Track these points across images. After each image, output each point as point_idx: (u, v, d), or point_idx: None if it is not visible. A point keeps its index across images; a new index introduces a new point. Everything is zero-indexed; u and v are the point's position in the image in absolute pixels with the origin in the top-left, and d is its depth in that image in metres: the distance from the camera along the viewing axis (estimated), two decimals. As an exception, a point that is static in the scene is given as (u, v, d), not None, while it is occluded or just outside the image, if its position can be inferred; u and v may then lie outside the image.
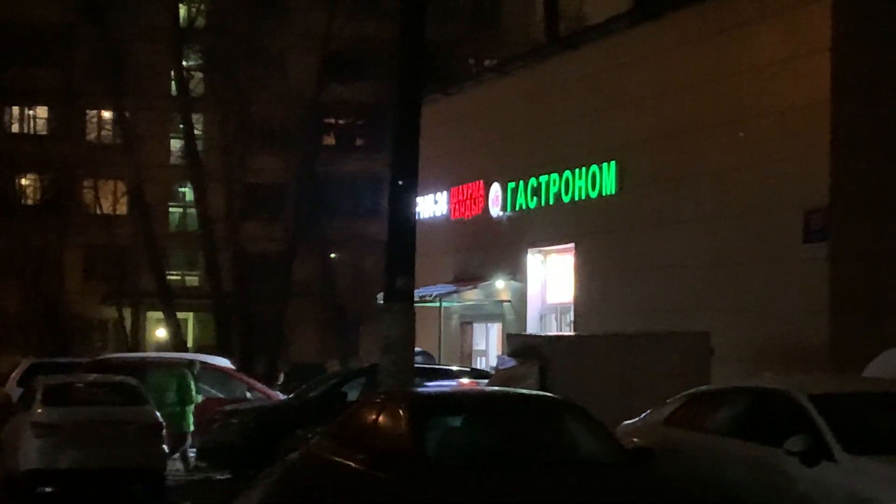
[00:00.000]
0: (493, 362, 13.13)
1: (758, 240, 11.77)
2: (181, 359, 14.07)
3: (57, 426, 10.23)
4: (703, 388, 7.65)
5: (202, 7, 26.62)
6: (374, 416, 6.34)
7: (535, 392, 8.06)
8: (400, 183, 9.29)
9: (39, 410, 10.48)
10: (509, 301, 16.77)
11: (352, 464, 5.94)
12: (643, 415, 7.44)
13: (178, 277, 30.68)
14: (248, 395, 13.89)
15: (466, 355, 17.57)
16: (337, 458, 6.32)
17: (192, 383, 12.19)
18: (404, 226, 9.43)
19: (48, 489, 10.68)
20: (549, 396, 7.25)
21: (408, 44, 9.45)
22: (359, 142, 29.35)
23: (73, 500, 11.02)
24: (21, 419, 10.77)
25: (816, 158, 11.04)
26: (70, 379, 12.28)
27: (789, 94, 11.62)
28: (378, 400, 7.14)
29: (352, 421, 6.93)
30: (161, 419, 10.66)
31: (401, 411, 6.03)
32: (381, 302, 10.25)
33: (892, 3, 11.45)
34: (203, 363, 13.82)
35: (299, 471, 7.64)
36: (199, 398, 12.35)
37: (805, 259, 10.82)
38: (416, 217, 10.26)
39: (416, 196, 10.00)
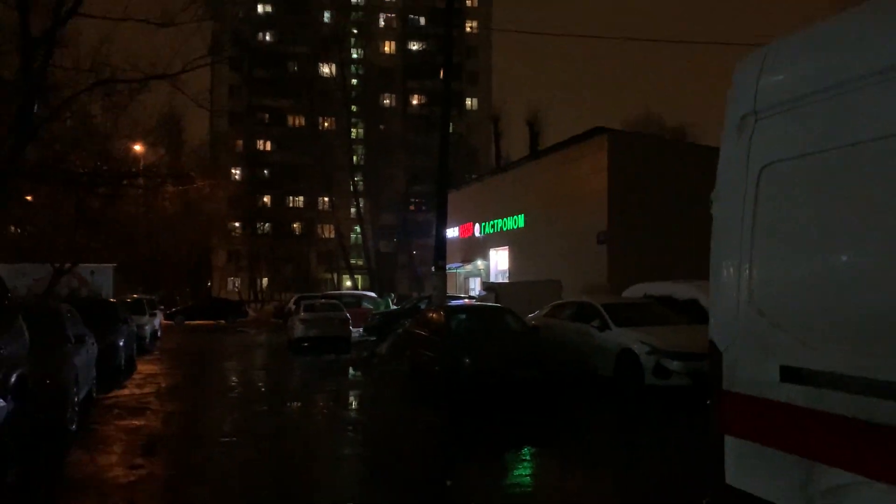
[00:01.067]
0: (477, 293, 24.83)
1: (581, 243, 21.96)
2: (363, 293, 27.83)
3: (308, 319, 20.01)
4: (558, 301, 15.51)
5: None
6: (431, 315, 14.28)
7: (493, 304, 17.11)
8: (440, 222, 19.20)
9: (301, 313, 20.55)
10: (482, 268, 29.82)
11: (423, 333, 12.94)
12: (535, 313, 15.08)
13: (354, 262, 53.57)
14: (382, 307, 26.48)
15: (466, 291, 29.95)
16: (416, 331, 13.36)
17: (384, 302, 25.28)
18: (442, 240, 18.45)
19: (305, 344, 19.83)
20: (499, 306, 15.34)
21: (442, 171, 18.74)
22: (424, 208, 52.44)
23: (316, 349, 19.14)
24: (294, 317, 21.92)
25: (601, 211, 21.32)
26: (311, 300, 23.10)
27: (592, 186, 22.00)
28: (432, 309, 15.64)
29: (422, 317, 14.33)
30: (348, 316, 21.53)
31: (441, 312, 13.99)
32: (433, 269, 18.88)
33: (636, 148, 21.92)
34: (369, 296, 27.01)
35: (402, 336, 16.15)
36: (382, 307, 25.43)
37: (599, 252, 21.24)
38: (446, 237, 19.26)
39: (446, 228, 19.28)
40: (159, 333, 24.86)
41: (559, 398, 10.89)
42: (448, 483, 6.32)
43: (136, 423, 8.86)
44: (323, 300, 23.14)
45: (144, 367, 15.21)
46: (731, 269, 3.25)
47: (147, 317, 20.44)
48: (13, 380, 5.81)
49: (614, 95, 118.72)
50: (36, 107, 16.81)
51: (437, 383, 11.77)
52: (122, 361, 13.80)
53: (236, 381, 14.16)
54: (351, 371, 15.19)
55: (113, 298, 22.18)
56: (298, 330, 20.20)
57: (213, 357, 18.84)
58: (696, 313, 13.03)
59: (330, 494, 5.89)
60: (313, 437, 8.36)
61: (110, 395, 11.06)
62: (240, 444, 7.81)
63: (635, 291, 14.97)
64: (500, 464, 7.07)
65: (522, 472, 6.98)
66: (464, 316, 13.56)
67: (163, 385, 12.54)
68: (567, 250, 23.00)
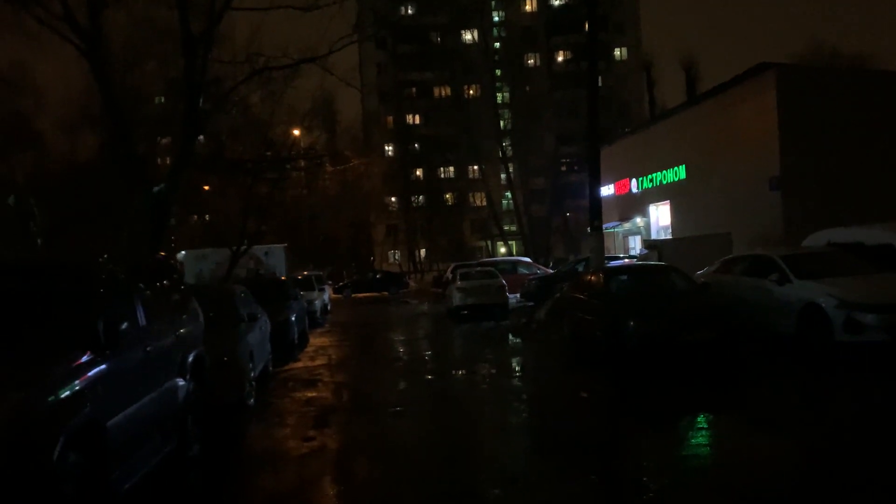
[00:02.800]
0: (638, 252, 23.52)
1: (751, 192, 20.11)
2: (518, 259, 28.07)
3: (465, 288, 20.15)
4: (730, 256, 13.94)
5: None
6: (589, 277, 13.69)
7: (657, 262, 16.40)
8: (593, 181, 17.55)
9: (458, 282, 20.61)
10: (642, 226, 28.42)
11: (581, 296, 12.33)
12: (704, 270, 13.56)
13: (507, 228, 53.79)
14: (538, 272, 25.98)
15: (626, 250, 29.04)
16: (575, 294, 12.76)
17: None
18: (596, 198, 17.39)
19: (464, 312, 19.97)
20: (663, 264, 14.41)
21: (592, 125, 17.65)
22: (576, 168, 51.25)
23: (474, 317, 19.23)
24: (451, 286, 21.65)
25: (773, 155, 19.40)
26: (467, 269, 22.89)
27: (760, 129, 19.98)
28: (590, 271, 15.10)
29: (580, 280, 13.72)
30: (504, 282, 20.77)
31: (601, 274, 13.14)
32: (588, 230, 18.01)
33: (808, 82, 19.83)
34: (524, 261, 26.80)
35: (560, 300, 15.08)
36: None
37: (772, 200, 19.16)
38: (600, 195, 17.90)
39: (600, 186, 18.10)
40: (329, 307, 26.20)
41: (736, 360, 10.07)
42: (617, 454, 5.95)
43: (309, 394, 9.25)
44: (478, 268, 23.16)
45: (316, 341, 16.00)
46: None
47: (316, 292, 21.52)
48: (191, 360, 6.14)
49: (777, 28, 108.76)
50: (201, 101, 17.94)
51: (599, 349, 11.32)
52: (296, 336, 14.57)
53: (401, 350, 14.50)
54: (510, 338, 15.07)
55: (285, 276, 23.53)
56: (456, 298, 20.46)
57: (379, 328, 19.48)
58: (891, 260, 11.61)
59: (498, 466, 5.73)
60: (478, 406, 8.29)
61: (285, 368, 11.67)
62: (407, 415, 7.90)
63: (817, 239, 13.52)
64: (675, 433, 6.54)
65: (699, 441, 6.41)
66: (625, 277, 12.90)
67: (333, 357, 13.08)
68: (735, 201, 21.33)
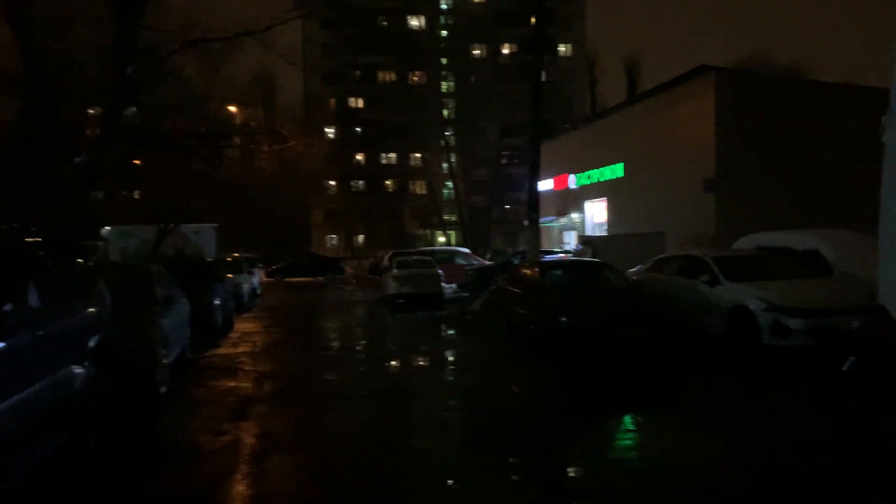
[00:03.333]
0: (573, 247, 23.75)
1: (686, 192, 20.56)
2: (456, 249, 27.70)
3: (401, 276, 19.95)
4: (662, 255, 14.02)
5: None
6: (525, 271, 13.57)
7: (591, 259, 16.26)
8: (533, 175, 17.87)
9: (394, 270, 20.43)
10: (578, 221, 28.84)
11: (516, 290, 12.45)
12: (636, 268, 13.94)
13: (447, 217, 54.21)
14: (476, 262, 25.84)
15: (561, 245, 28.93)
16: (510, 287, 12.88)
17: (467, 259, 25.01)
18: (535, 192, 17.82)
19: (400, 301, 19.76)
20: (597, 261, 14.26)
21: (535, 121, 17.84)
22: (517, 161, 50.60)
23: (409, 306, 19.15)
24: (387, 273, 21.98)
25: (708, 157, 19.79)
26: (404, 257, 22.69)
27: (698, 130, 20.33)
28: (525, 264, 14.89)
29: (516, 273, 13.70)
30: (440, 272, 20.75)
31: (536, 268, 13.19)
32: (525, 223, 18.56)
33: (746, 86, 20.26)
34: (462, 251, 26.60)
35: (495, 293, 15.07)
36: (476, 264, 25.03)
37: (706, 201, 19.59)
38: (538, 189, 18.39)
39: (539, 180, 18.44)
40: (259, 291, 25.46)
41: (666, 358, 10.09)
42: (544, 453, 5.76)
43: (229, 384, 8.79)
44: (416, 257, 22.90)
45: (242, 326, 15.42)
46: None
47: (245, 275, 20.82)
48: (93, 345, 5.65)
49: (718, 34, 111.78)
50: (130, 70, 17.01)
51: (533, 343, 11.21)
52: (219, 320, 13.98)
53: (330, 339, 14.08)
54: (445, 329, 14.82)
55: (212, 258, 22.71)
56: (392, 287, 20.28)
57: (309, 314, 18.98)
58: (817, 266, 11.88)
59: (423, 466, 5.46)
60: (407, 401, 7.99)
61: (206, 355, 11.13)
62: (331, 408, 7.54)
63: (747, 242, 13.90)
64: (603, 431, 6.47)
65: (627, 438, 6.33)
66: (559, 271, 12.94)
67: (258, 344, 12.57)
68: (670, 200, 21.73)
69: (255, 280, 24.66)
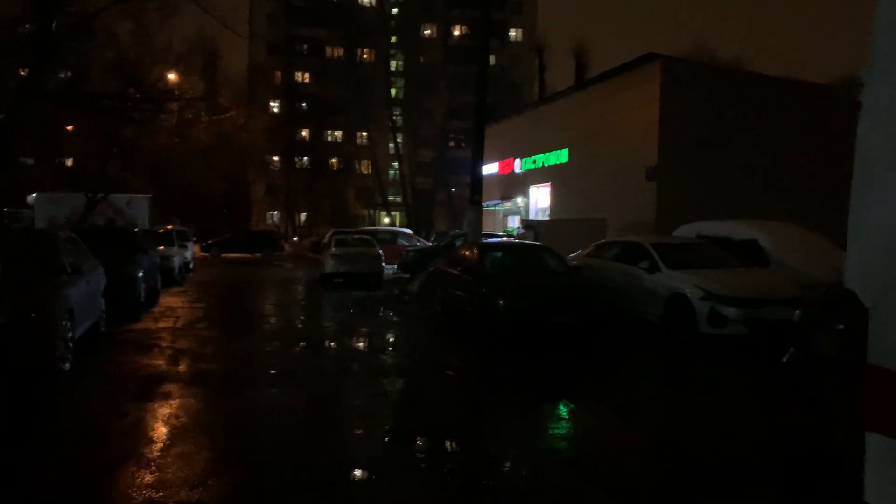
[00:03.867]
0: (516, 230, 23.67)
1: (628, 180, 20.52)
2: (399, 230, 27.33)
3: (339, 255, 19.32)
4: (603, 241, 14.23)
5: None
6: (464, 252, 13.09)
7: (531, 242, 15.71)
8: (476, 155, 18.22)
9: (333, 248, 19.77)
10: (522, 206, 28.57)
11: (454, 271, 12.11)
12: (577, 252, 13.92)
13: (392, 198, 53.82)
14: (418, 244, 25.56)
15: (504, 229, 29.15)
16: (448, 269, 12.53)
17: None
18: (478, 173, 17.02)
19: (339, 280, 19.17)
20: (538, 244, 13.90)
21: (479, 99, 16.92)
22: (464, 145, 50.20)
23: (347, 285, 18.57)
24: (326, 251, 21.67)
25: (651, 145, 19.70)
26: (344, 236, 21.90)
27: (642, 118, 20.29)
28: (465, 245, 13.75)
29: (455, 254, 13.32)
30: (381, 252, 20.15)
31: (475, 249, 12.56)
32: (469, 205, 17.70)
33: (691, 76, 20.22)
34: (405, 232, 26.23)
35: (433, 273, 14.71)
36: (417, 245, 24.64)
37: (647, 189, 19.76)
38: (482, 170, 17.59)
39: (482, 160, 17.41)
40: (192, 265, 24.50)
41: (601, 345, 9.94)
42: (475, 440, 5.45)
43: (142, 360, 8.21)
44: (356, 236, 22.35)
45: (168, 300, 14.68)
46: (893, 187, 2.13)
47: (175, 248, 19.91)
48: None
49: (664, 26, 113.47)
50: (54, 24, 15.90)
51: (469, 325, 10.92)
52: (142, 294, 13.24)
53: (258, 316, 13.47)
54: (380, 309, 14.37)
55: (140, 228, 21.68)
56: (330, 265, 19.82)
57: (241, 291, 18.27)
58: (755, 256, 11.91)
59: (349, 454, 5.07)
60: (335, 384, 7.58)
61: (123, 329, 10.46)
62: (249, 390, 7.06)
63: (687, 231, 13.89)
64: (535, 417, 6.22)
65: (558, 425, 6.12)
66: (499, 254, 12.57)
67: (181, 319, 11.92)
68: (613, 187, 21.71)
69: (188, 254, 23.68)
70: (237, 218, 59.47)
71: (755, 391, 7.43)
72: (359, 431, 5.76)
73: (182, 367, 7.90)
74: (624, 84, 21.76)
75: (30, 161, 38.31)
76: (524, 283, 10.57)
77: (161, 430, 5.45)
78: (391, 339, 10.89)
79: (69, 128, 31.21)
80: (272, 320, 12.98)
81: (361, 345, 10.40)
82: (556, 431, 5.97)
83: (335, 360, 9.07)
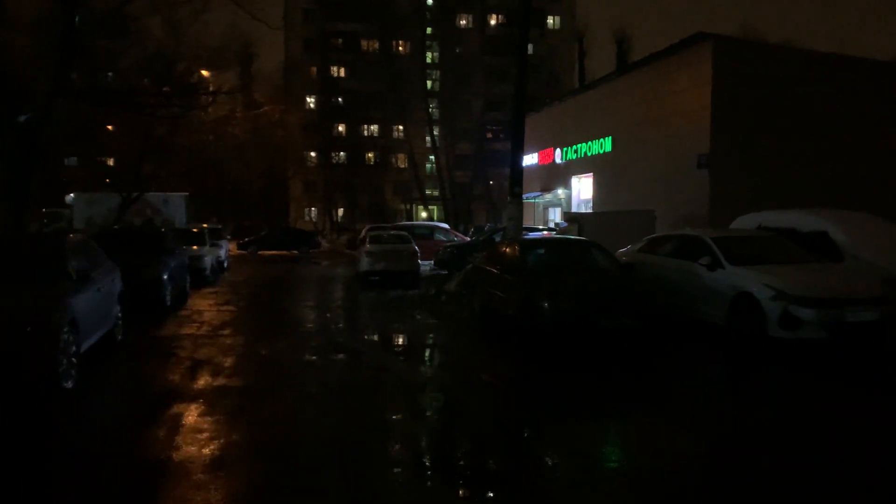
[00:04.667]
0: (557, 224, 22.54)
1: (677, 169, 19.26)
2: (436, 224, 27.58)
3: (374, 252, 18.67)
4: (656, 235, 12.98)
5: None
6: (504, 248, 12.09)
7: (577, 237, 14.93)
8: (516, 146, 15.98)
9: (368, 245, 19.19)
10: (563, 198, 27.55)
11: (494, 269, 11.17)
12: (626, 248, 12.82)
13: (430, 192, 53.14)
14: (455, 239, 24.70)
15: (545, 222, 27.97)
16: (487, 267, 11.61)
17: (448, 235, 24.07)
18: (518, 164, 15.87)
19: (376, 278, 18.54)
20: (584, 239, 12.80)
21: (519, 85, 16.06)
22: (502, 137, 50.05)
23: (382, 283, 17.93)
24: (360, 248, 20.17)
25: (703, 131, 18.52)
26: (379, 232, 21.12)
27: (692, 103, 19.04)
28: (505, 241, 12.95)
29: (494, 251, 12.31)
30: (416, 248, 19.01)
31: (516, 246, 11.67)
32: (509, 198, 16.20)
33: (745, 56, 18.95)
34: (442, 227, 25.47)
35: (471, 271, 13.50)
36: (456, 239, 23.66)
37: (699, 178, 18.46)
38: (522, 161, 16.50)
39: (522, 151, 16.34)
40: (227, 264, 24.10)
41: (658, 352, 8.99)
42: (517, 460, 4.61)
43: (155, 373, 7.55)
44: (392, 232, 21.62)
45: (196, 303, 14.14)
46: None
47: (207, 247, 19.42)
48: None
49: (709, 9, 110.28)
50: (77, 18, 15.47)
51: (510, 329, 10.05)
52: (167, 296, 12.68)
53: (288, 320, 12.75)
54: (416, 311, 13.54)
55: (177, 227, 21.29)
56: (364, 263, 19.11)
57: (275, 291, 17.67)
58: (825, 249, 10.77)
59: (377, 487, 4.28)
60: (364, 401, 6.77)
61: (143, 336, 9.86)
62: (270, 410, 6.30)
63: (747, 222, 12.76)
64: (582, 434, 5.40)
65: (609, 442, 5.31)
66: (542, 250, 11.67)
67: (207, 323, 11.31)
68: (661, 177, 20.54)
69: (223, 252, 23.22)
70: (276, 214, 59.45)
71: (849, 408, 6.42)
72: (398, 450, 5.06)
73: (199, 383, 7.20)
74: (672, 67, 20.54)
75: (73, 161, 38.61)
76: (570, 284, 9.66)
77: (162, 462, 4.72)
78: (427, 347, 10.07)
79: (109, 127, 31.19)
80: (302, 325, 12.26)
81: (395, 353, 9.64)
82: (609, 453, 5.20)
83: (367, 373, 8.29)
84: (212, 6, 23.25)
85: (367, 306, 14.43)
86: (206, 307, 13.51)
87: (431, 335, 11.00)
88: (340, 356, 9.11)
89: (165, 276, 12.53)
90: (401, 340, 10.48)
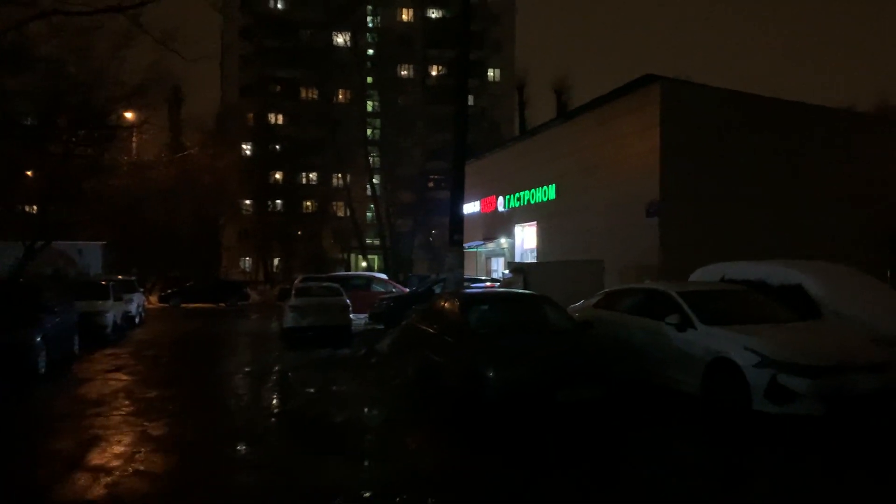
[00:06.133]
0: (501, 275, 21.20)
1: (625, 215, 18.39)
2: (373, 275, 25.92)
3: (300, 306, 17.07)
4: (615, 288, 11.26)
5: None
6: (443, 304, 10.15)
7: (524, 291, 13.21)
8: (456, 190, 15.31)
9: (293, 299, 17.48)
10: (506, 247, 26.48)
11: (431, 329, 9.70)
12: (580, 303, 11.44)
13: (370, 241, 51.43)
14: (394, 290, 22.99)
15: (488, 273, 27.25)
16: (423, 327, 10.20)
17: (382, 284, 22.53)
18: (458, 211, 15.34)
19: (310, 334, 16.59)
20: (534, 294, 11.13)
21: (459, 132, 15.56)
22: (444, 186, 47.39)
23: (309, 341, 16.20)
24: (285, 303, 18.03)
25: (652, 177, 17.69)
26: (307, 284, 19.47)
27: (639, 146, 18.29)
28: (444, 295, 11.14)
29: (432, 307, 10.73)
30: (348, 302, 17.41)
31: (456, 301, 9.67)
32: (450, 247, 15.53)
33: (695, 100, 18.36)
34: (380, 277, 23.73)
35: (406, 330, 12.43)
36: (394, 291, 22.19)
37: (648, 226, 17.49)
38: (462, 207, 15.70)
39: (463, 201, 15.72)
40: (139, 320, 21.82)
41: (627, 430, 7.47)
42: None
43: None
44: (322, 283, 19.82)
45: (85, 368, 12.06)
46: None
47: (111, 301, 17.27)
48: None
49: (649, 59, 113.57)
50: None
51: (451, 400, 8.42)
52: (39, 362, 10.56)
53: (186, 392, 10.69)
54: (341, 377, 11.65)
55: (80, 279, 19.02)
56: (289, 319, 17.29)
57: (183, 352, 15.60)
58: (802, 305, 9.54)
59: None
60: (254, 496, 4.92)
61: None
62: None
63: (709, 274, 11.54)
64: None
65: None
66: (486, 307, 9.99)
67: (82, 397, 9.29)
68: (608, 224, 19.44)
69: (133, 306, 20.94)
70: (206, 264, 56.48)
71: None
72: None
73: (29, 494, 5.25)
74: (618, 111, 19.65)
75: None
76: (522, 348, 8.11)
77: None
78: (347, 427, 8.24)
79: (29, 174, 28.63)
80: (200, 398, 10.25)
81: (306, 437, 7.79)
82: None
83: (262, 472, 6.45)
84: (132, 43, 21.32)
85: (284, 371, 12.46)
86: (92, 374, 11.43)
87: (353, 410, 9.10)
88: (227, 450, 7.20)
89: (38, 340, 10.43)
90: (314, 418, 8.56)
